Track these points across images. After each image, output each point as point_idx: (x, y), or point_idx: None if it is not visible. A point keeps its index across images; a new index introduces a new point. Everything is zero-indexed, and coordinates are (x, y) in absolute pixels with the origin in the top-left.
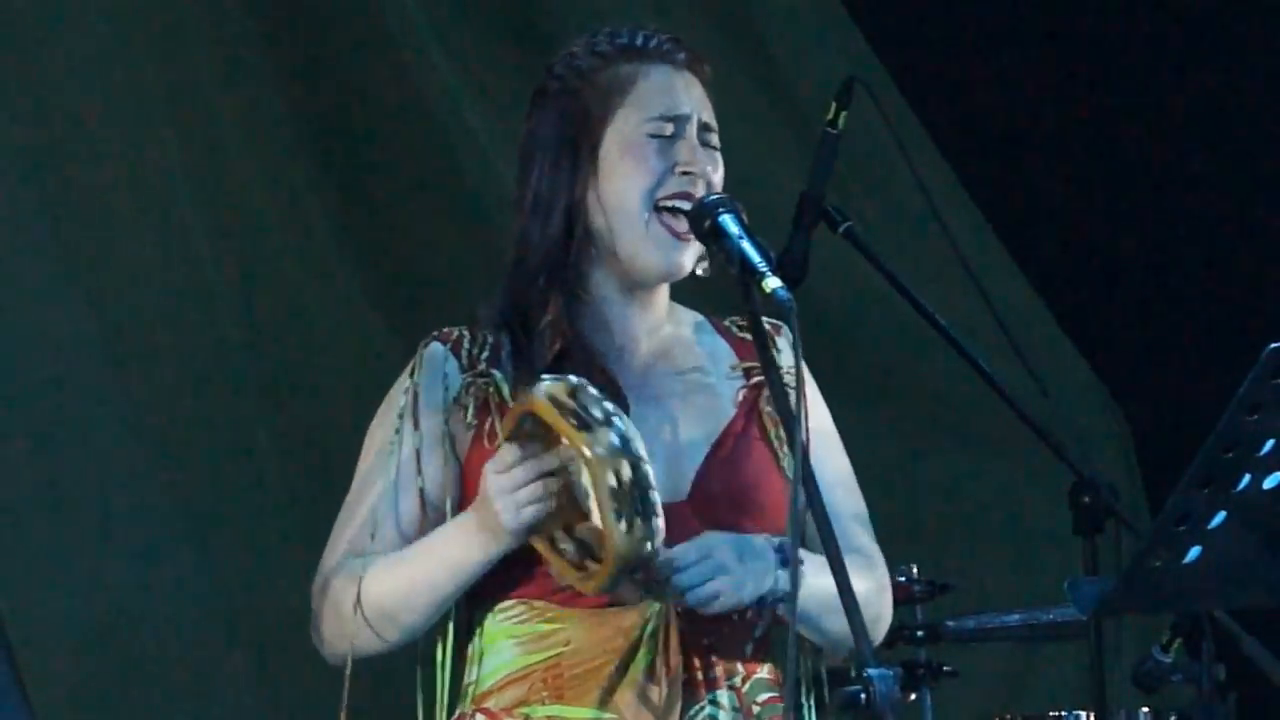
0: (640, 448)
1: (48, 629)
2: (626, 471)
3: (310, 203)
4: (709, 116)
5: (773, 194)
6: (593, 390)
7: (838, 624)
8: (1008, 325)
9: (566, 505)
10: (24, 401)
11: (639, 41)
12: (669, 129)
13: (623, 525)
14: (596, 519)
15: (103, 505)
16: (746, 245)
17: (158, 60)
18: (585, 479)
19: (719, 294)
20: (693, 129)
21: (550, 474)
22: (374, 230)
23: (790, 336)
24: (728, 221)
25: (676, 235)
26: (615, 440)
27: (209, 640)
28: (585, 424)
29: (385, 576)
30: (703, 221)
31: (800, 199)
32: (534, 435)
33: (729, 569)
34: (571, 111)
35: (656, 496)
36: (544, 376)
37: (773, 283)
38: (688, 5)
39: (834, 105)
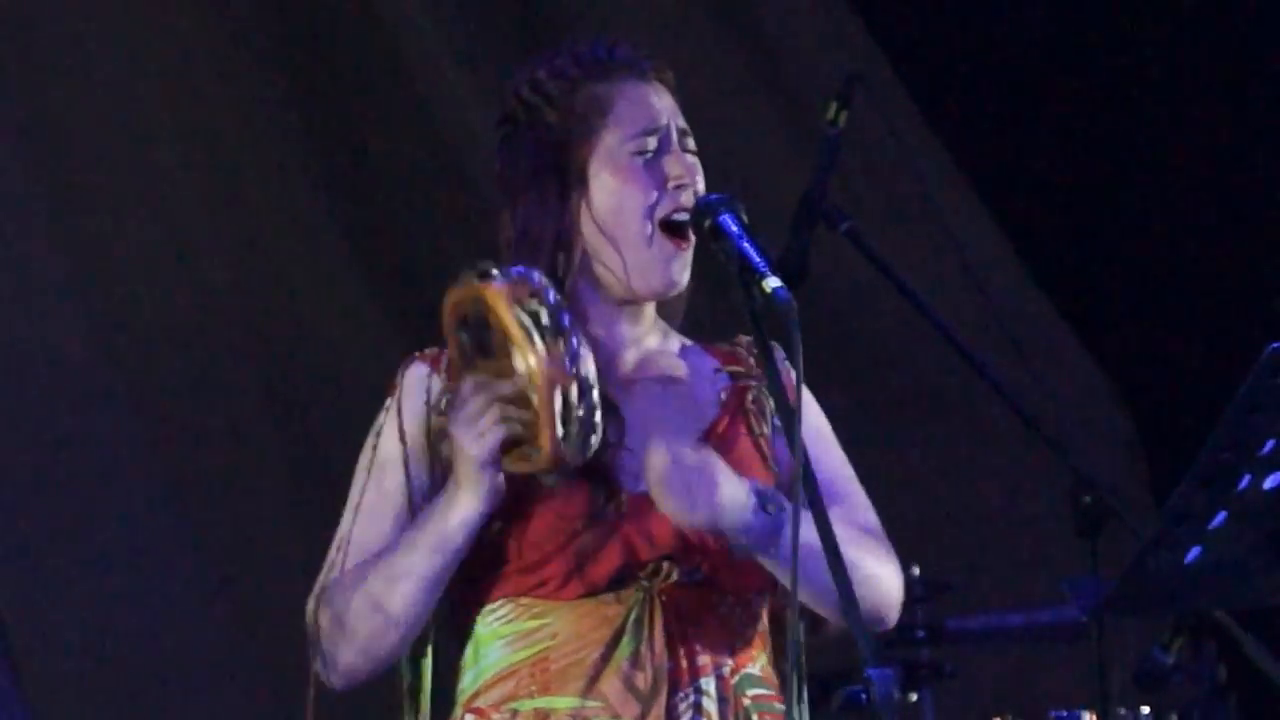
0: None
1: (50, 636)
2: (535, 305)
3: (311, 202)
4: (683, 121)
5: (774, 193)
6: (553, 297)
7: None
8: (1014, 324)
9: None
10: (25, 408)
11: (605, 57)
12: (651, 144)
13: (539, 346)
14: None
15: (104, 512)
16: (746, 245)
17: (158, 60)
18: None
19: (719, 293)
20: (674, 139)
21: (510, 401)
22: (375, 230)
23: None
24: (727, 221)
25: (679, 249)
26: (551, 326)
27: (212, 646)
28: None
29: (370, 576)
30: (703, 221)
31: (800, 199)
32: (480, 345)
33: (697, 482)
34: (550, 139)
35: (571, 321)
36: (495, 270)
37: (773, 282)
38: (691, 3)
39: (834, 104)
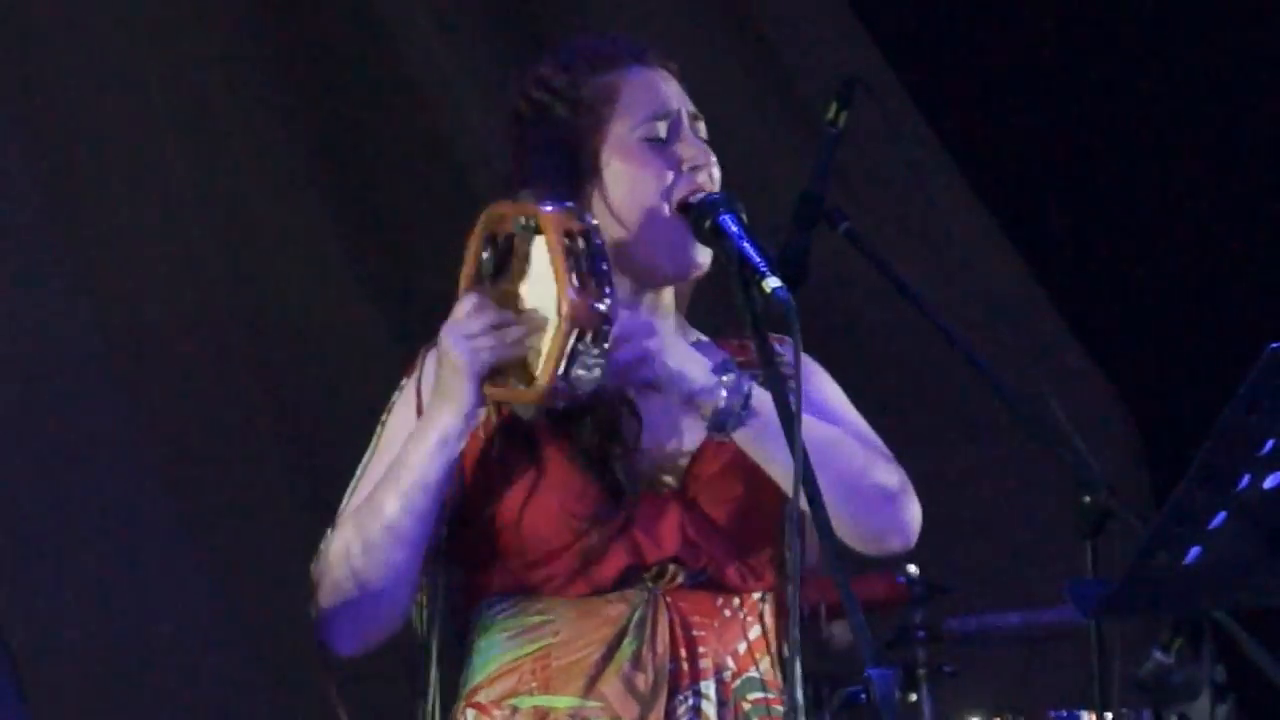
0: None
1: (50, 636)
2: (580, 243)
3: (311, 202)
4: (692, 106)
5: (775, 194)
6: (598, 238)
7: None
8: (1013, 324)
9: (521, 373)
10: (26, 410)
11: (608, 48)
12: (662, 129)
13: (575, 280)
14: (551, 283)
15: (104, 511)
16: (746, 245)
17: (159, 60)
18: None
19: (719, 295)
20: (684, 123)
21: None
22: (374, 230)
23: (790, 344)
24: (727, 221)
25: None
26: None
27: (212, 645)
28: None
29: (354, 519)
30: (703, 221)
31: (800, 199)
32: (497, 269)
33: (661, 340)
34: (560, 133)
35: (609, 267)
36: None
37: (773, 283)
38: (691, 3)
39: (834, 104)
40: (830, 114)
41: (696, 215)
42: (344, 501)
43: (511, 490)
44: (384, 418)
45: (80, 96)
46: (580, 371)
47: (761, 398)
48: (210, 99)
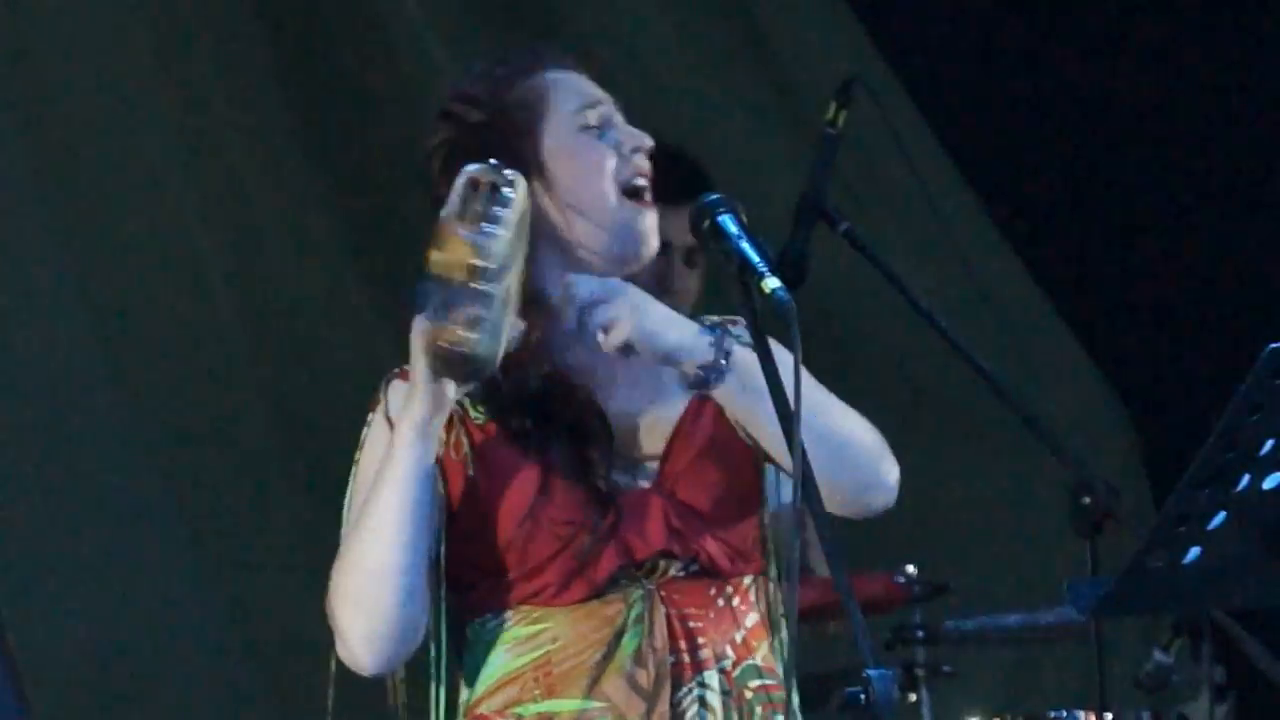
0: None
1: (50, 636)
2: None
3: (311, 202)
4: (614, 98)
5: (775, 193)
6: (505, 191)
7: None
8: (1013, 325)
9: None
10: (26, 411)
11: (526, 55)
12: (594, 118)
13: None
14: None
15: (105, 512)
16: (746, 245)
17: (158, 60)
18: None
19: (719, 293)
20: (613, 111)
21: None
22: (374, 231)
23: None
24: (727, 221)
25: (644, 208)
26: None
27: (212, 646)
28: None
29: (352, 537)
30: (702, 221)
31: (800, 199)
32: None
33: (636, 300)
34: (493, 139)
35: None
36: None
37: (772, 283)
38: (691, 3)
39: (834, 105)
40: (830, 114)
41: (696, 215)
42: (342, 527)
43: (495, 510)
44: (357, 456)
45: (80, 98)
46: (488, 230)
47: (742, 355)
48: (210, 100)
